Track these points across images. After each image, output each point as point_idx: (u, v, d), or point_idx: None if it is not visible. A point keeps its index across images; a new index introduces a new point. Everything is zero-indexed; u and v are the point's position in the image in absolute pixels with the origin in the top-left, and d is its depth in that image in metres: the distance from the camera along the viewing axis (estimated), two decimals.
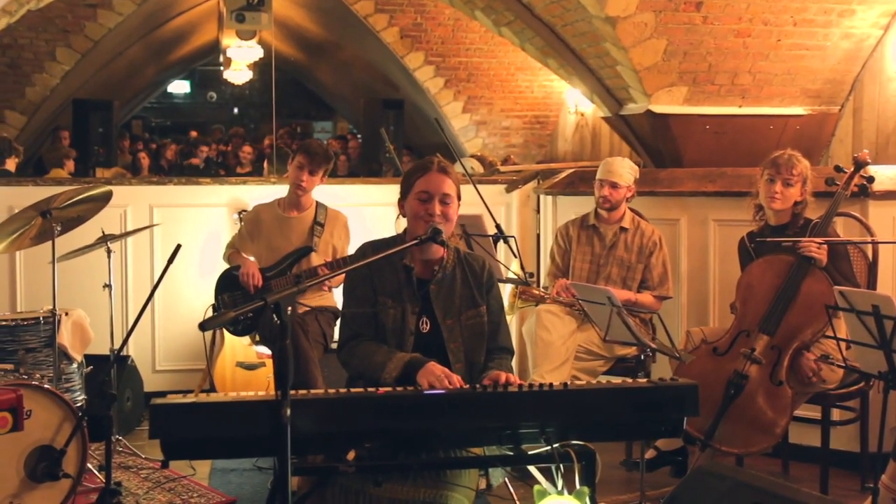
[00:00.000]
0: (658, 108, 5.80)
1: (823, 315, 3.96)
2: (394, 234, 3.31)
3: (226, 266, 5.05)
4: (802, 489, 2.84)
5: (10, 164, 6.58)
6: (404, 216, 3.17)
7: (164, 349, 5.99)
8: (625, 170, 4.87)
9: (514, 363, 6.03)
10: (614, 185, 4.83)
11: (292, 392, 2.61)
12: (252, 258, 5.02)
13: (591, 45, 5.94)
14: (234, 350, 5.63)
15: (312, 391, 2.72)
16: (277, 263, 4.89)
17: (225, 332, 5.41)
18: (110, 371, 4.63)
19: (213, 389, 5.42)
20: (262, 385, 5.43)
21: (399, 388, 2.78)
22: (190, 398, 2.57)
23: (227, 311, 2.30)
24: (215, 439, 2.54)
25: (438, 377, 2.84)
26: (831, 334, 3.80)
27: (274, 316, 2.43)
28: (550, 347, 4.57)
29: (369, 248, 3.18)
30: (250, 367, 5.56)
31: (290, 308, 2.44)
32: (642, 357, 4.11)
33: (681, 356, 3.66)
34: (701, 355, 4.20)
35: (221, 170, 12.57)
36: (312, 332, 4.67)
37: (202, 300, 5.51)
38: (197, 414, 2.52)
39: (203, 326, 2.27)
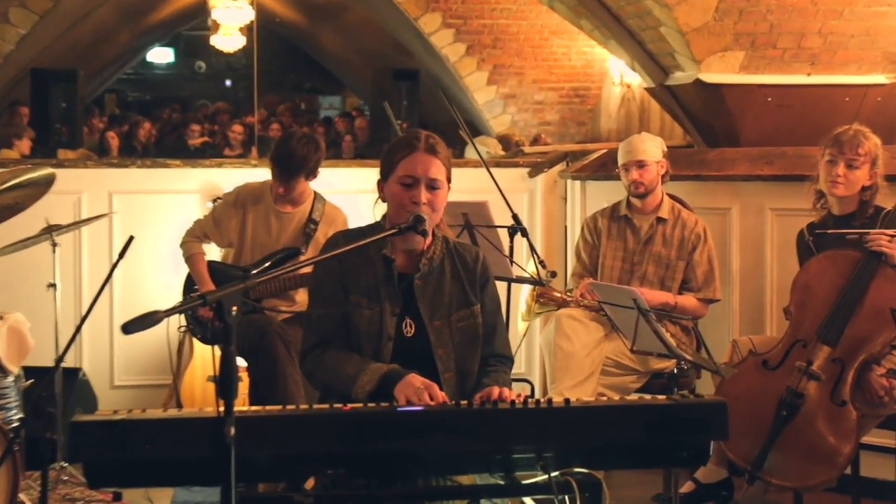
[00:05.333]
0: (709, 77, 5.75)
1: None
2: (372, 221, 3.29)
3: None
4: None
5: None
6: (384, 200, 3.15)
7: (123, 361, 6.01)
8: (647, 144, 4.84)
9: (534, 378, 6.08)
10: (641, 165, 4.80)
11: (241, 408, 2.61)
12: (222, 250, 5.03)
13: (629, 2, 5.90)
14: (205, 362, 5.64)
15: (266, 408, 2.71)
16: (256, 264, 4.89)
17: (194, 340, 5.42)
18: (52, 385, 4.67)
19: (179, 407, 5.43)
20: (237, 403, 5.43)
21: (370, 405, 2.77)
22: (118, 414, 2.57)
23: (154, 312, 2.29)
24: (147, 463, 2.54)
25: (418, 390, 2.83)
26: None
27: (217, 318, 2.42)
28: (572, 359, 4.55)
29: (341, 238, 3.18)
30: None
31: (235, 308, 2.43)
32: (675, 371, 4.07)
33: (719, 370, 3.63)
34: (747, 369, 4.16)
35: (209, 153, 12.62)
36: (295, 343, 4.65)
37: (170, 303, 5.52)
38: (123, 433, 2.52)
39: (126, 329, 2.26)
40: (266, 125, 13.52)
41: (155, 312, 2.31)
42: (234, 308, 2.43)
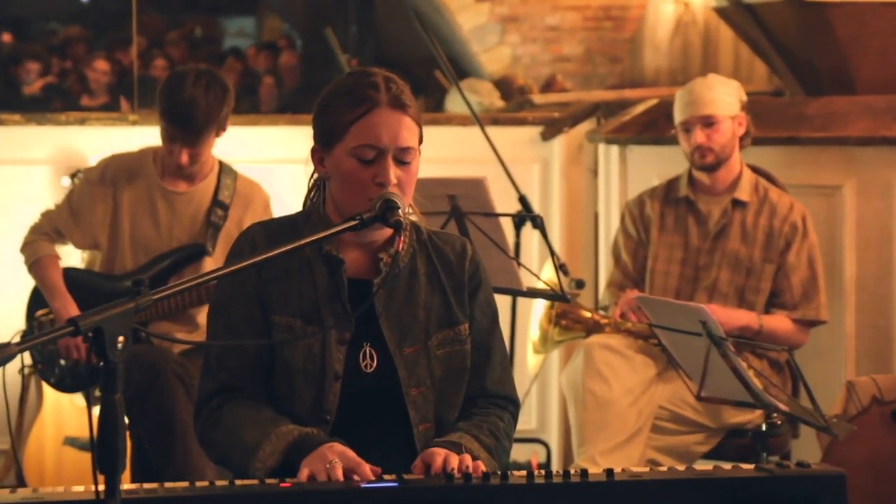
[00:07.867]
0: None
1: None
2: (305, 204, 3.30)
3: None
4: None
5: None
6: (324, 177, 3.16)
7: None
8: (717, 92, 4.89)
9: (552, 437, 6.09)
10: (709, 122, 4.84)
11: (131, 487, 2.63)
12: (84, 253, 5.05)
13: None
14: (60, 418, 5.66)
15: (166, 485, 2.72)
16: (141, 271, 4.90)
17: (45, 386, 5.43)
18: None
19: (21, 483, 5.45)
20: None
21: (302, 481, 2.78)
22: None
23: (4, 345, 2.30)
24: None
25: (330, 464, 2.80)
26: None
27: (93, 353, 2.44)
28: (610, 410, 4.59)
29: (261, 233, 3.16)
30: (88, 445, 5.60)
31: (121, 339, 2.45)
32: (764, 427, 4.11)
33: (829, 425, 3.67)
34: (871, 425, 4.20)
35: (58, 102, 12.61)
36: None
37: (10, 331, 5.53)
38: None
39: None
40: (146, 61, 13.48)
41: (6, 345, 2.32)
42: (121, 338, 2.44)
